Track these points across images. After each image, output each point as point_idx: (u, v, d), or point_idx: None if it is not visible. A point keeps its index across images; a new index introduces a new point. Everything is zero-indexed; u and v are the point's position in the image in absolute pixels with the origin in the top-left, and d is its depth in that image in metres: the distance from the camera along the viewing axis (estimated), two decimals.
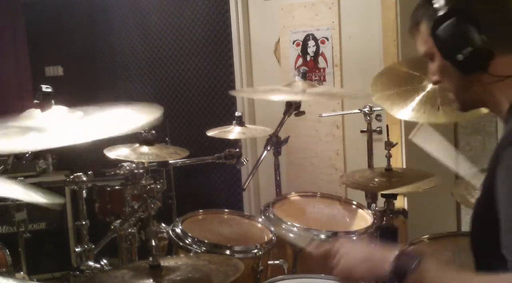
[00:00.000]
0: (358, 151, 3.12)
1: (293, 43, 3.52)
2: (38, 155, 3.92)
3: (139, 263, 1.84)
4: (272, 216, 2.44)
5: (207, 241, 2.20)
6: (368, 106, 2.69)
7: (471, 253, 1.30)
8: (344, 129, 3.38)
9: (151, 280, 1.65)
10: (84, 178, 2.58)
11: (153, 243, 1.76)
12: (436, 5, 1.25)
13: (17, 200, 3.24)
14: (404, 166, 3.10)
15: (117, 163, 2.54)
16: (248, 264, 2.12)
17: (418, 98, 2.09)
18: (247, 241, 2.30)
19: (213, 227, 2.42)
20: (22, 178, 3.37)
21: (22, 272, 3.20)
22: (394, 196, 2.40)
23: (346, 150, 3.39)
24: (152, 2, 4.12)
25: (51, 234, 4.01)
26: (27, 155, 2.58)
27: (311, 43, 3.45)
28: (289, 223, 2.37)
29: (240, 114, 3.01)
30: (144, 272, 1.70)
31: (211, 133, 2.98)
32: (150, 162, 2.67)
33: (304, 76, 2.60)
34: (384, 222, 2.43)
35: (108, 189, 3.22)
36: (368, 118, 2.72)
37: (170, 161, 2.78)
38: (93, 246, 2.58)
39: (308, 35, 3.46)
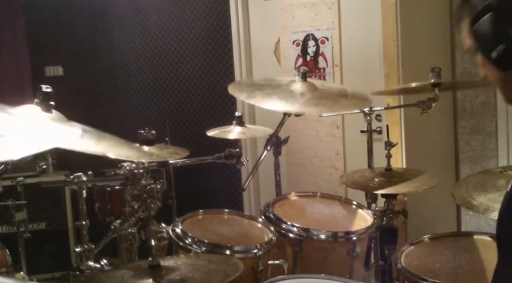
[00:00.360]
0: (358, 151, 3.12)
1: (293, 43, 3.52)
2: (38, 155, 3.93)
3: (139, 263, 1.84)
4: (272, 216, 2.44)
5: (207, 241, 2.20)
6: (368, 106, 2.69)
7: (498, 249, 1.31)
8: (344, 129, 3.38)
9: (151, 280, 1.65)
10: (84, 178, 2.58)
11: (153, 243, 1.76)
12: (474, 2, 1.26)
13: (17, 200, 3.25)
14: (404, 166, 3.10)
15: (117, 163, 2.54)
16: (248, 264, 2.12)
17: None
18: (247, 241, 2.30)
19: (213, 227, 2.42)
20: (22, 178, 3.38)
21: (22, 272, 3.20)
22: (394, 196, 2.40)
23: (346, 150, 3.39)
24: (152, 2, 4.12)
25: (51, 234, 4.01)
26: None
27: (311, 43, 3.45)
28: (289, 223, 2.38)
29: (240, 114, 3.01)
30: (144, 272, 1.70)
31: (211, 133, 2.98)
32: (150, 162, 2.66)
33: (304, 76, 2.60)
34: (384, 222, 2.43)
35: (108, 189, 3.23)
36: (368, 118, 2.72)
37: (170, 161, 2.77)
38: (93, 246, 2.58)
39: (308, 35, 3.46)
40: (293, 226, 2.36)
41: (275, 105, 2.38)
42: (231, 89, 2.52)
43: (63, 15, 4.49)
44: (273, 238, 2.31)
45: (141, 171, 2.48)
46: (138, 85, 4.30)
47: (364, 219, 2.54)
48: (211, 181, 4.02)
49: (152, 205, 2.04)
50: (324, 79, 3.40)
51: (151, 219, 2.08)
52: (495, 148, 3.42)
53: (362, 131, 2.81)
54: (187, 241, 2.21)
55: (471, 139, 3.50)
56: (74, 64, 4.55)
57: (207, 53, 3.95)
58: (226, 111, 3.89)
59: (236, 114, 3.02)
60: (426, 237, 2.30)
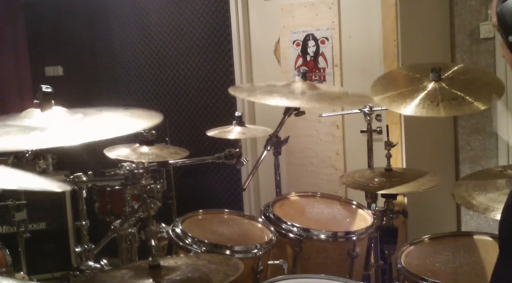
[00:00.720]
0: (358, 151, 3.12)
1: (293, 43, 3.52)
2: (38, 155, 3.93)
3: (139, 263, 1.84)
4: (272, 216, 2.44)
5: (207, 241, 2.21)
6: (368, 106, 2.69)
7: (500, 250, 1.31)
8: (344, 129, 3.38)
9: (151, 280, 1.65)
10: (84, 178, 2.58)
11: (153, 243, 1.76)
12: None
13: (17, 200, 3.25)
14: (404, 166, 3.10)
15: (117, 163, 2.54)
16: (248, 264, 2.12)
17: (418, 97, 2.09)
18: (247, 241, 2.30)
19: (213, 227, 2.42)
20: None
21: (22, 272, 3.20)
22: (394, 196, 2.40)
23: (346, 150, 3.39)
24: (152, 2, 4.12)
25: (51, 234, 4.01)
26: (27, 155, 2.58)
27: (311, 43, 3.45)
28: (289, 223, 2.38)
29: (240, 114, 3.01)
30: (144, 272, 1.70)
31: (211, 133, 2.98)
32: (150, 162, 2.67)
33: (304, 76, 2.61)
34: (384, 222, 2.43)
35: (108, 189, 3.23)
36: (368, 118, 2.72)
37: (170, 161, 2.78)
38: (93, 246, 2.59)
39: (308, 35, 3.46)
40: (293, 226, 2.36)
41: (277, 100, 2.38)
42: (232, 91, 2.52)
43: (63, 15, 4.49)
44: (273, 238, 2.31)
45: (141, 171, 2.49)
46: (138, 85, 4.30)
47: (364, 219, 2.54)
48: (211, 181, 4.02)
49: (152, 205, 2.03)
50: (324, 79, 3.40)
51: (151, 219, 2.07)
52: (495, 148, 3.43)
53: (362, 131, 2.81)
54: (187, 241, 2.21)
55: (471, 139, 3.50)
56: (74, 64, 4.55)
57: (207, 53, 3.95)
58: (226, 111, 3.88)
59: (236, 114, 3.02)
60: (426, 237, 2.30)
